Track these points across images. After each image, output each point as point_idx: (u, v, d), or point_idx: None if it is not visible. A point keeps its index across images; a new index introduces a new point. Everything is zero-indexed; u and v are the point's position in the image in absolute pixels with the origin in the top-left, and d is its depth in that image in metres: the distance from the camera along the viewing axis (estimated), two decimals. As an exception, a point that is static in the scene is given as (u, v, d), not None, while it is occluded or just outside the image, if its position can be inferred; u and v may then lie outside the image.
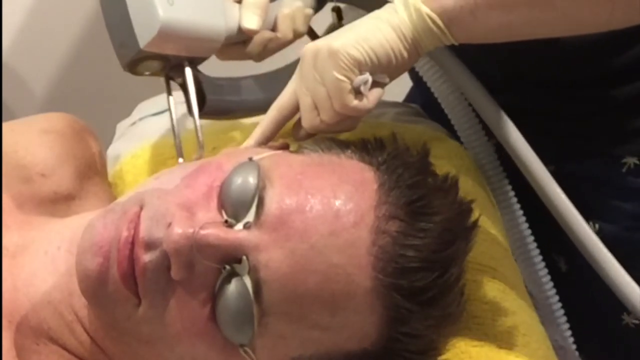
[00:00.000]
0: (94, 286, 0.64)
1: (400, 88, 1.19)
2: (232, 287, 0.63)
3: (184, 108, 0.82)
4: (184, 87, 0.79)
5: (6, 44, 1.53)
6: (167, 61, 0.78)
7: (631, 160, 0.90)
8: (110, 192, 0.90)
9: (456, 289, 0.70)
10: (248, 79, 0.86)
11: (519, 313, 0.81)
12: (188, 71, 0.78)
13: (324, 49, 0.73)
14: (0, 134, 0.80)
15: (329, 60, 0.72)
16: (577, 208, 0.87)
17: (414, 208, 0.66)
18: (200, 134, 0.80)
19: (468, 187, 0.87)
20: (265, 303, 0.63)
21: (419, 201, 0.67)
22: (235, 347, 0.65)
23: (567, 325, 0.93)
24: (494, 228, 0.90)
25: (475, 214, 0.72)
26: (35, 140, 0.83)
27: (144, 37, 0.74)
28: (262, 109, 0.80)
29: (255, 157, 0.69)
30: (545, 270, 0.92)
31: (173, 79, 0.80)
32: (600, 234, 0.92)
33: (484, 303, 0.80)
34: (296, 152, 0.74)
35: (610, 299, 0.91)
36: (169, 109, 0.81)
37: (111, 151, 0.99)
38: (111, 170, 0.95)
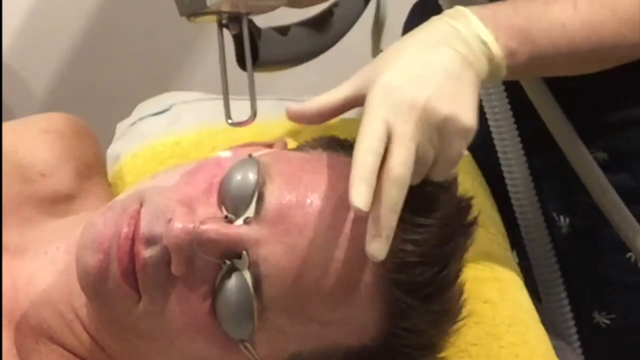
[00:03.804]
0: (94, 282, 0.64)
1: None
2: (232, 282, 0.63)
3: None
4: (237, 39, 0.75)
5: (6, 44, 1.53)
6: (226, 13, 0.74)
7: (601, 156, 0.89)
8: (110, 192, 0.90)
9: (455, 284, 0.70)
10: (296, 25, 0.83)
11: (518, 312, 0.81)
12: (245, 25, 0.74)
13: (454, 121, 0.65)
14: (0, 134, 0.80)
15: (461, 135, 0.66)
16: (546, 202, 0.89)
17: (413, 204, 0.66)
18: (253, 89, 0.74)
19: (467, 186, 0.87)
20: (265, 298, 0.63)
21: (418, 197, 0.67)
22: (235, 342, 0.65)
23: (574, 330, 0.93)
24: (493, 227, 0.90)
25: (474, 212, 0.73)
26: (35, 140, 0.84)
27: None
28: (311, 55, 0.78)
29: (254, 154, 0.69)
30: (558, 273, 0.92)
31: (227, 28, 0.75)
32: (570, 228, 0.92)
33: (484, 302, 0.80)
34: (295, 149, 0.74)
35: (581, 297, 0.91)
36: (221, 59, 0.75)
37: (111, 151, 0.99)
38: (111, 170, 0.95)
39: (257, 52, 0.77)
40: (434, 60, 0.66)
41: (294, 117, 0.68)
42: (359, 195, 0.60)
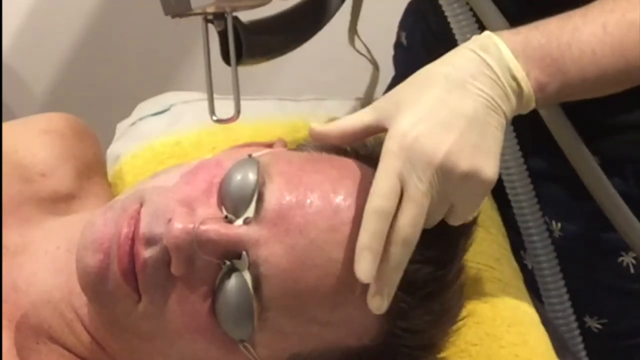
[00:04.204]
0: (95, 283, 0.64)
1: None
2: (232, 282, 0.63)
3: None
4: (222, 35, 0.75)
5: (6, 44, 1.53)
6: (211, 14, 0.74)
7: None
8: (110, 191, 0.90)
9: (455, 284, 0.70)
10: (277, 17, 0.82)
11: (518, 312, 0.81)
12: (230, 23, 0.73)
13: (474, 176, 0.63)
14: (0, 134, 0.80)
15: (481, 189, 0.65)
16: (539, 207, 0.88)
17: None
18: (237, 86, 0.74)
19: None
20: (264, 298, 0.63)
21: None
22: (235, 343, 0.65)
23: (577, 331, 0.93)
24: (493, 228, 0.90)
25: (474, 212, 0.73)
26: (35, 140, 0.83)
27: (198, 0, 0.70)
28: (295, 45, 0.78)
29: (254, 154, 0.69)
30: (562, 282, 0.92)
31: (212, 23, 0.75)
32: (562, 233, 0.92)
33: (484, 302, 0.80)
34: (295, 149, 0.74)
35: (573, 301, 0.91)
36: (206, 53, 0.75)
37: (111, 151, 0.99)
38: (111, 170, 0.95)
39: (241, 48, 0.77)
40: (458, 106, 0.64)
41: (316, 137, 0.69)
42: (363, 266, 0.61)
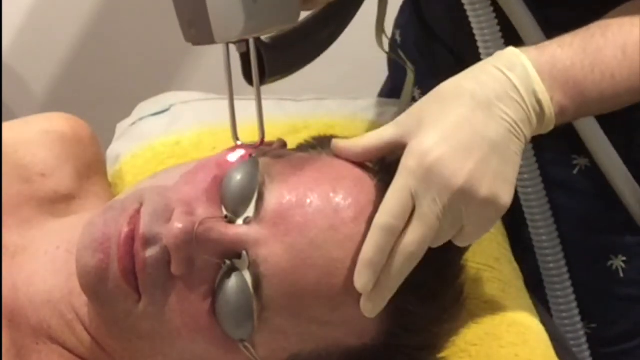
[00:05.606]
0: (95, 282, 0.64)
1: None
2: (232, 282, 0.64)
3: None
4: (244, 57, 0.74)
5: (6, 44, 1.54)
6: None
7: (583, 162, 0.89)
8: (110, 192, 0.90)
9: (455, 284, 0.71)
10: (297, 29, 0.81)
11: (518, 312, 0.81)
12: (252, 46, 0.72)
13: (491, 203, 0.63)
14: (0, 134, 0.80)
15: (495, 215, 0.65)
16: (553, 217, 0.89)
17: None
18: (261, 109, 0.73)
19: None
20: (265, 298, 0.63)
21: None
22: (235, 343, 0.65)
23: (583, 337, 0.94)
24: (493, 227, 0.90)
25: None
26: (35, 140, 0.83)
27: (221, 34, 0.68)
28: (317, 54, 0.79)
29: (255, 154, 0.69)
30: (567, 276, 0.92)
31: (233, 43, 0.73)
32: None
33: (484, 302, 0.80)
34: (295, 149, 0.74)
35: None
36: (228, 76, 0.73)
37: (111, 151, 0.99)
38: (111, 170, 0.95)
39: (263, 67, 0.76)
40: (482, 129, 0.63)
41: (340, 152, 0.68)
42: (364, 279, 0.62)
